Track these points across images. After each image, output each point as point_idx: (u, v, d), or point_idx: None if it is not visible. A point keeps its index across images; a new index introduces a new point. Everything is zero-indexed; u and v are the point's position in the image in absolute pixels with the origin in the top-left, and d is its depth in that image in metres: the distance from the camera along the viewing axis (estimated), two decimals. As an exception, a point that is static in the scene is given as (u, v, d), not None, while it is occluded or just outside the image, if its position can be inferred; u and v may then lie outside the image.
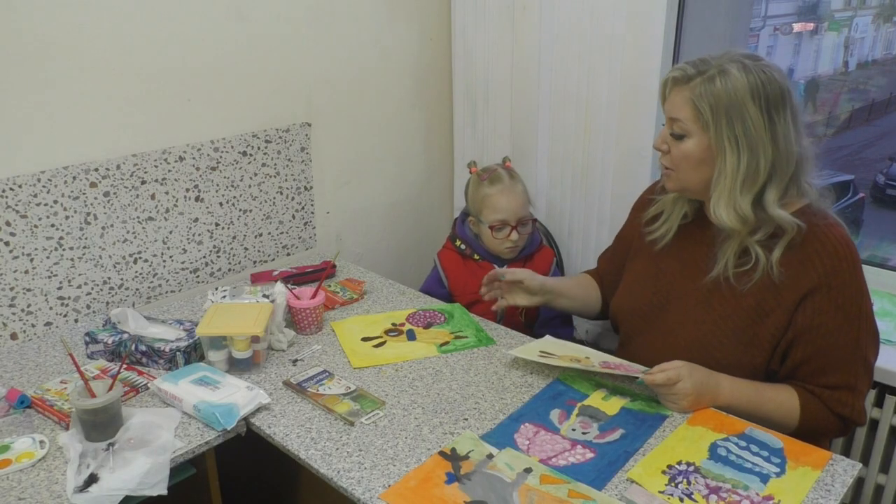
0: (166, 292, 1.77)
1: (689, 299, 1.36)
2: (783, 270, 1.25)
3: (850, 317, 1.23)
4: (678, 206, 1.41)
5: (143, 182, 1.66)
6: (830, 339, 1.24)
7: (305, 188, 2.00)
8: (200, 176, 1.76)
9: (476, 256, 1.86)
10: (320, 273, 1.75)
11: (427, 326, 1.61)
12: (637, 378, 1.27)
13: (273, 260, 1.99)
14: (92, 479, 1.09)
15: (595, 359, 1.34)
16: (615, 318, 1.54)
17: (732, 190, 1.23)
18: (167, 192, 1.70)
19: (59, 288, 1.58)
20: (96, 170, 1.57)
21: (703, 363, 1.27)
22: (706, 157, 1.26)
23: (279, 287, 1.55)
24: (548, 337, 1.48)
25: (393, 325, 1.62)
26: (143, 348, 1.43)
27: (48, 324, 1.58)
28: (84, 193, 1.57)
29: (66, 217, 1.55)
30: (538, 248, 1.90)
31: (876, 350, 1.29)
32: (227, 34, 1.73)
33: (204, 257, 1.82)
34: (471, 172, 1.89)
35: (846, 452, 1.72)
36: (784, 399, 1.27)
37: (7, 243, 1.48)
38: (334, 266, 1.86)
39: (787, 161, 1.23)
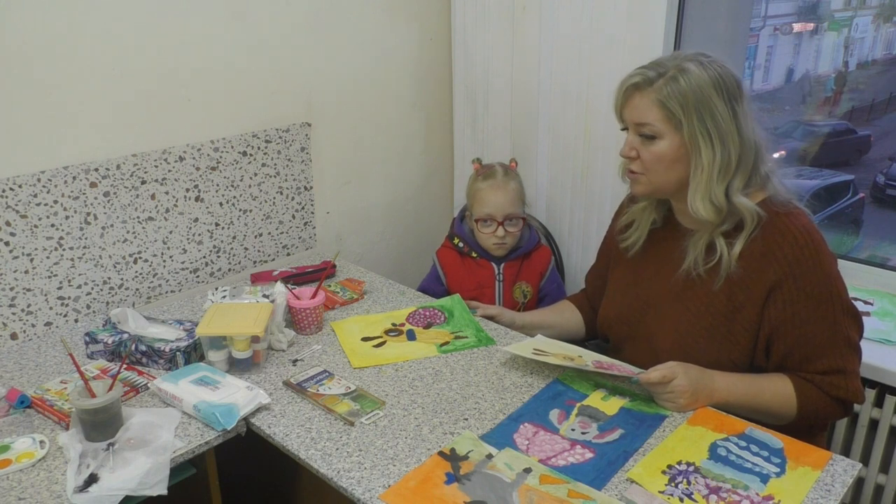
0: (166, 292, 1.77)
1: (666, 302, 1.38)
2: (746, 265, 1.26)
3: (822, 302, 1.24)
4: (647, 214, 1.44)
5: (143, 182, 1.66)
6: (807, 327, 1.25)
7: (305, 188, 2.00)
8: (200, 176, 1.76)
9: (474, 254, 1.87)
10: (320, 273, 1.75)
11: (427, 326, 1.61)
12: (632, 378, 1.28)
13: (273, 260, 1.99)
14: (92, 479, 1.09)
15: (587, 358, 1.35)
16: (603, 328, 1.56)
17: (709, 182, 1.26)
18: (167, 192, 1.70)
19: (59, 288, 1.58)
20: (96, 170, 1.57)
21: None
22: (680, 155, 1.28)
23: (279, 287, 1.55)
24: (539, 336, 1.49)
25: (393, 324, 1.62)
26: (143, 348, 1.43)
27: (48, 324, 1.58)
28: (84, 193, 1.57)
29: (66, 217, 1.55)
30: (535, 247, 1.90)
31: (858, 327, 1.29)
32: (227, 34, 1.74)
33: (204, 257, 1.82)
34: (474, 168, 1.90)
35: (846, 452, 1.72)
36: (779, 388, 1.28)
37: (7, 243, 1.48)
38: (334, 266, 1.86)
39: (751, 149, 1.26)
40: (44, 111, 1.49)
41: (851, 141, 2.65)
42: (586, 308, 1.68)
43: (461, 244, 1.88)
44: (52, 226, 1.54)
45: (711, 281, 1.30)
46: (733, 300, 1.29)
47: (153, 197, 1.68)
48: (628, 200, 1.54)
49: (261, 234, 1.94)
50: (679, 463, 1.13)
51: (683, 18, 1.84)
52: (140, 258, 1.70)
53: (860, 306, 1.73)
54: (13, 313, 1.53)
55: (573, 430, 1.22)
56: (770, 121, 2.69)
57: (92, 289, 1.64)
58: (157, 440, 1.18)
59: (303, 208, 2.02)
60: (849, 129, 2.64)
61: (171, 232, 1.74)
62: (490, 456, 1.15)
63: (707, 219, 1.27)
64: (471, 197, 1.86)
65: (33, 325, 1.56)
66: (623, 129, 1.35)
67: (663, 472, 1.11)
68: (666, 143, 1.27)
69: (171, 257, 1.76)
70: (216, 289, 1.67)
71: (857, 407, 1.59)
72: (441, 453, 1.16)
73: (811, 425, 1.34)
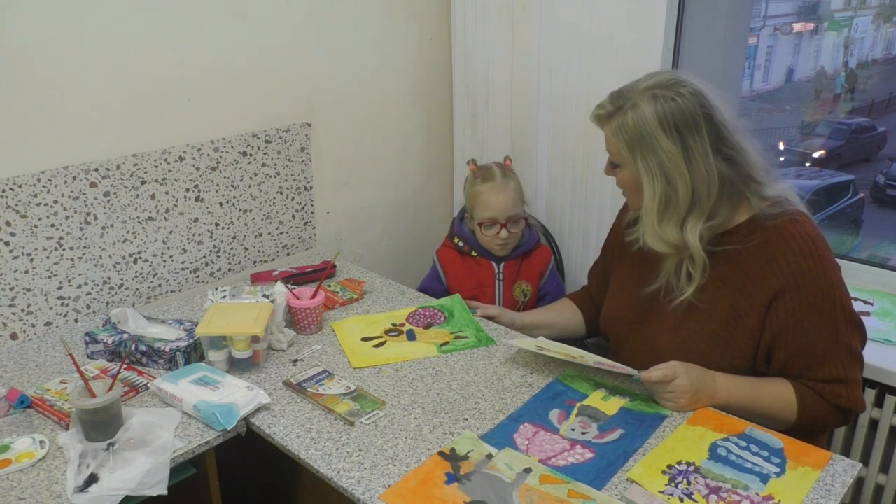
0: (166, 292, 1.77)
1: (669, 305, 1.37)
2: (749, 272, 1.27)
3: (825, 311, 1.24)
4: None
5: (143, 182, 1.66)
6: (809, 336, 1.25)
7: (305, 188, 2.00)
8: (200, 176, 1.76)
9: (474, 253, 1.87)
10: (320, 273, 1.75)
11: (427, 326, 1.61)
12: (633, 376, 1.28)
13: (273, 260, 1.99)
14: (92, 479, 1.09)
15: (588, 359, 1.35)
16: (605, 327, 1.56)
17: (653, 220, 1.28)
18: (167, 192, 1.70)
19: (59, 288, 1.58)
20: (96, 170, 1.57)
21: None
22: (638, 185, 1.30)
23: (279, 287, 1.55)
24: (541, 338, 1.49)
25: (393, 325, 1.62)
26: (143, 348, 1.43)
27: (48, 324, 1.58)
28: (84, 193, 1.57)
29: (66, 217, 1.55)
30: (535, 246, 1.90)
31: (861, 336, 1.29)
32: (227, 34, 1.74)
33: (204, 257, 1.82)
34: (470, 170, 1.89)
35: (846, 452, 1.72)
36: (780, 392, 1.28)
37: (7, 243, 1.48)
38: (334, 266, 1.86)
39: (709, 184, 1.24)
40: (44, 111, 1.49)
41: (872, 137, 2.68)
42: (588, 304, 1.68)
43: (461, 243, 1.88)
44: (52, 226, 1.54)
45: (711, 283, 1.30)
46: (736, 306, 1.29)
47: (153, 197, 1.68)
48: None
49: (261, 234, 1.94)
50: (679, 463, 1.13)
51: (683, 18, 1.83)
52: (140, 258, 1.70)
53: (860, 306, 1.74)
54: (13, 313, 1.53)
55: (573, 430, 1.22)
56: (774, 120, 2.69)
57: (92, 289, 1.64)
58: (157, 440, 1.18)
59: (303, 208, 2.02)
60: (871, 125, 2.66)
61: (171, 232, 1.74)
62: (490, 456, 1.15)
63: (659, 250, 1.30)
64: (471, 200, 1.85)
65: (33, 325, 1.56)
66: None
67: (663, 472, 1.11)
68: (626, 171, 1.32)
69: (171, 257, 1.76)
70: (216, 289, 1.67)
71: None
72: (441, 453, 1.16)
73: (811, 429, 1.34)
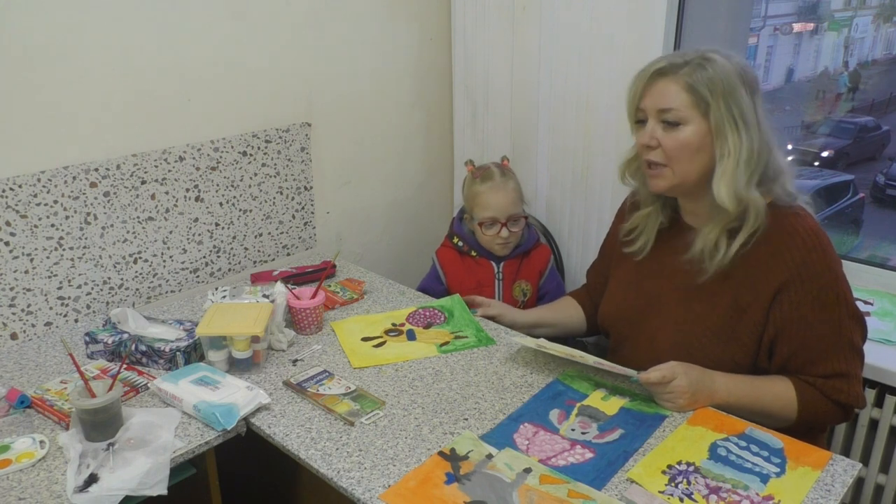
0: (166, 292, 1.77)
1: (670, 302, 1.37)
2: (753, 265, 1.26)
3: (828, 305, 1.24)
4: (652, 219, 1.42)
5: (143, 182, 1.66)
6: (812, 330, 1.25)
7: (305, 188, 2.00)
8: (200, 176, 1.76)
9: (473, 253, 1.87)
10: (320, 273, 1.75)
11: (427, 326, 1.61)
12: (632, 377, 1.28)
13: (273, 260, 1.99)
14: (92, 479, 1.09)
15: (588, 360, 1.35)
16: (603, 325, 1.56)
17: (736, 169, 1.23)
18: (167, 192, 1.70)
19: (59, 288, 1.58)
20: (96, 170, 1.57)
21: None
22: (704, 143, 1.25)
23: (279, 287, 1.55)
24: (542, 339, 1.49)
25: (393, 324, 1.62)
26: (143, 348, 1.43)
27: (48, 324, 1.58)
28: (84, 193, 1.57)
29: (66, 217, 1.55)
30: (535, 246, 1.90)
31: (862, 331, 1.29)
32: (227, 34, 1.74)
33: (204, 257, 1.82)
34: (468, 170, 1.89)
35: (846, 452, 1.72)
36: (781, 390, 1.27)
37: (7, 243, 1.48)
38: (334, 266, 1.86)
39: (766, 146, 1.26)
40: (44, 111, 1.49)
41: (877, 136, 2.68)
42: (587, 304, 1.68)
43: (460, 243, 1.88)
44: (52, 226, 1.54)
45: (714, 278, 1.30)
46: (739, 301, 1.29)
47: (153, 197, 1.68)
48: (630, 204, 1.52)
49: (261, 234, 1.94)
50: (679, 463, 1.13)
51: (683, 18, 1.83)
52: (140, 258, 1.70)
53: (860, 306, 1.73)
54: (13, 313, 1.53)
55: (573, 430, 1.22)
56: (773, 120, 2.70)
57: (92, 289, 1.64)
58: (157, 440, 1.18)
59: (303, 208, 2.02)
60: (877, 124, 2.66)
61: (171, 232, 1.74)
62: (490, 456, 1.15)
63: (728, 208, 1.23)
64: (470, 200, 1.86)
65: (33, 325, 1.56)
66: (638, 122, 1.32)
67: (663, 472, 1.11)
68: (691, 130, 1.25)
69: (171, 257, 1.76)
70: (216, 289, 1.68)
71: (856, 408, 1.60)
72: (441, 453, 1.16)
73: (811, 427, 1.34)
